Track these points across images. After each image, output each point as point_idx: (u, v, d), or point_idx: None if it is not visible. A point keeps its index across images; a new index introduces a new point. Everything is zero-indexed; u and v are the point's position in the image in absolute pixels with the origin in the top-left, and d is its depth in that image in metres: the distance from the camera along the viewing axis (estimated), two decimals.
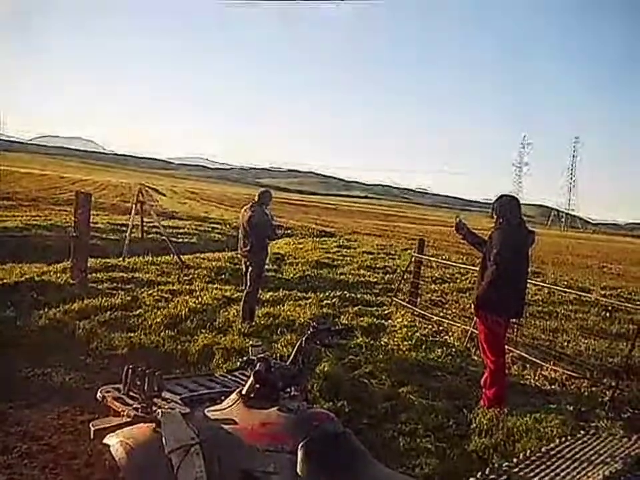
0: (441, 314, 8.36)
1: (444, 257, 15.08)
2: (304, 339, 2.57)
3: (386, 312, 8.43)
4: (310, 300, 8.65)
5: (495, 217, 4.82)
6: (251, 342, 5.76)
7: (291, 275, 11.06)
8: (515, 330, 6.89)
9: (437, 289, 10.67)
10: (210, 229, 19.29)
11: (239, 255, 8.03)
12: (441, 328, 7.65)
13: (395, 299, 9.13)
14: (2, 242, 10.72)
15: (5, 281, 7.68)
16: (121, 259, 10.77)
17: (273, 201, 7.48)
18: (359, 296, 9.48)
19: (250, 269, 7.17)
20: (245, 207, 7.34)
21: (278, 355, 5.56)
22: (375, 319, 7.75)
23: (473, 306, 5.07)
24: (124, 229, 13.85)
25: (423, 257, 9.55)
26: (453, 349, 6.64)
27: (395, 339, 6.83)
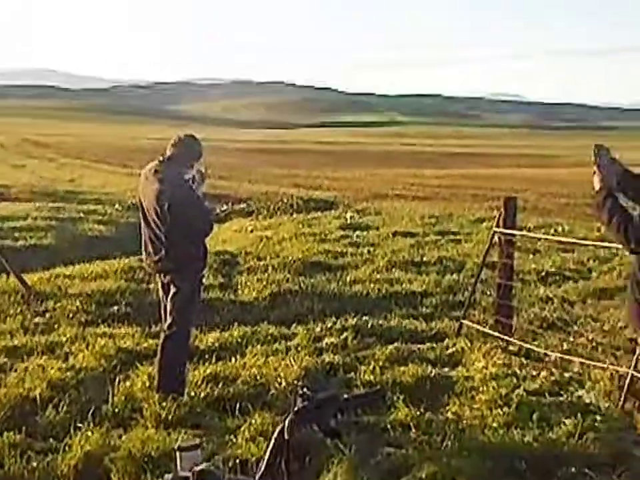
0: (565, 345, 8.37)
1: (561, 229, 15.06)
2: (287, 422, 2.60)
3: (450, 351, 8.48)
4: (295, 340, 8.74)
5: None
6: (180, 440, 5.79)
7: (254, 294, 11.13)
8: None
9: (551, 294, 10.71)
10: (81, 215, 19.38)
11: (145, 266, 7.99)
12: (567, 374, 7.66)
13: (465, 322, 9.19)
14: None
15: None
16: None
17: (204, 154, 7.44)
18: (392, 323, 9.54)
19: (171, 290, 7.19)
20: (145, 170, 7.35)
21: (237, 461, 5.57)
22: (429, 368, 7.76)
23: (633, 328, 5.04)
24: None
25: (516, 232, 9.54)
26: (597, 417, 6.56)
27: (476, 407, 6.81)
